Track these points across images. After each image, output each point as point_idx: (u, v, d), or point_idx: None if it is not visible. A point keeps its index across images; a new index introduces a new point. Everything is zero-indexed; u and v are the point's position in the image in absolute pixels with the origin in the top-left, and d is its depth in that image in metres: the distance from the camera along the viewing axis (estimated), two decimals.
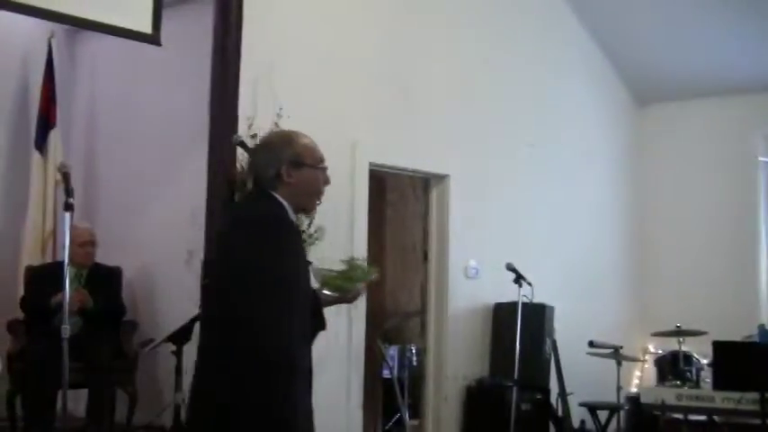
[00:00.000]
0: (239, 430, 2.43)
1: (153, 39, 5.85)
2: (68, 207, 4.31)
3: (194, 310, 5.15)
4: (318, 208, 2.95)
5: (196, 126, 6.13)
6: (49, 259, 6.77)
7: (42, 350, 5.57)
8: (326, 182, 2.84)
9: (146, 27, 6.07)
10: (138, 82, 7.33)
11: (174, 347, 5.18)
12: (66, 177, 4.40)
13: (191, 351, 4.56)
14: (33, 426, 5.74)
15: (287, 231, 2.64)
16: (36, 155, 7.30)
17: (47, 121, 7.33)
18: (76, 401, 6.44)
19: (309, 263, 2.75)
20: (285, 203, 2.69)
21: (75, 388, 5.70)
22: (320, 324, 2.73)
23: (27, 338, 6.06)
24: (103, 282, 6.32)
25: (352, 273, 2.87)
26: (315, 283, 2.81)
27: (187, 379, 4.41)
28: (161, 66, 6.88)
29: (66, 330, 4.21)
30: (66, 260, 4.41)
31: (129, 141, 7.32)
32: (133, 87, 7.36)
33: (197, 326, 4.69)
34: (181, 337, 5.13)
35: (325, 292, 2.84)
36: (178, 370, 5.09)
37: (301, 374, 2.52)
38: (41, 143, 7.31)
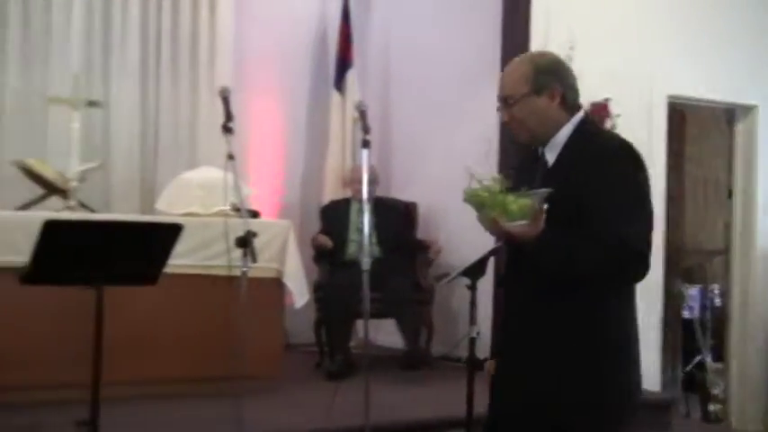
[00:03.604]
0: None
1: None
2: (365, 144, 4.42)
3: (489, 244, 5.16)
4: None
5: (487, 60, 6.10)
6: (349, 195, 7.05)
7: (343, 281, 5.84)
8: None
9: None
10: (429, 18, 7.39)
11: (468, 282, 5.23)
12: (363, 115, 4.50)
13: (485, 285, 4.57)
14: (335, 352, 6.05)
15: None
16: (335, 94, 7.60)
17: (344, 61, 7.60)
18: (375, 331, 6.71)
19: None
20: None
21: (374, 318, 5.92)
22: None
23: (330, 270, 6.35)
24: (388, 216, 6.43)
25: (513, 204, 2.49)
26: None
27: (481, 312, 4.44)
28: (452, 1, 6.89)
29: (367, 263, 4.33)
30: (366, 196, 4.51)
31: (422, 78, 7.42)
32: (425, 24, 7.43)
33: (491, 260, 4.70)
34: (476, 271, 5.16)
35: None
36: (473, 303, 5.13)
37: None
38: (340, 83, 7.60)
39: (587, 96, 5.12)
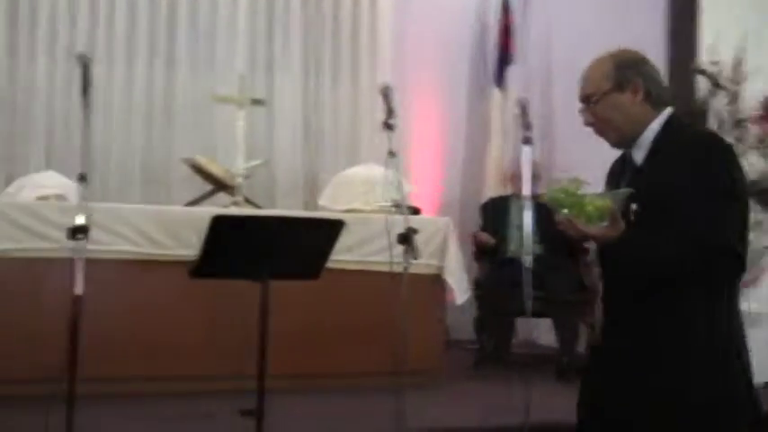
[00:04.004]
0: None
1: None
2: (527, 141, 4.36)
3: None
4: None
5: (652, 54, 5.91)
6: (509, 192, 6.98)
7: (503, 278, 5.78)
8: None
9: None
10: (591, 11, 7.23)
11: None
12: (524, 111, 4.43)
13: None
14: (496, 350, 5.99)
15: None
16: (495, 90, 7.55)
17: (505, 56, 7.54)
18: (536, 329, 6.63)
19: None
20: None
21: (535, 317, 5.85)
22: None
23: (490, 267, 6.31)
24: (550, 213, 6.30)
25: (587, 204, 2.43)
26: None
27: None
28: None
29: (529, 260, 4.27)
30: (527, 193, 4.45)
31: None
32: (587, 17, 7.28)
33: None
34: None
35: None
36: None
37: None
38: (500, 79, 7.54)
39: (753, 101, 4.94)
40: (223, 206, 5.81)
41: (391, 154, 4.01)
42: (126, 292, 4.82)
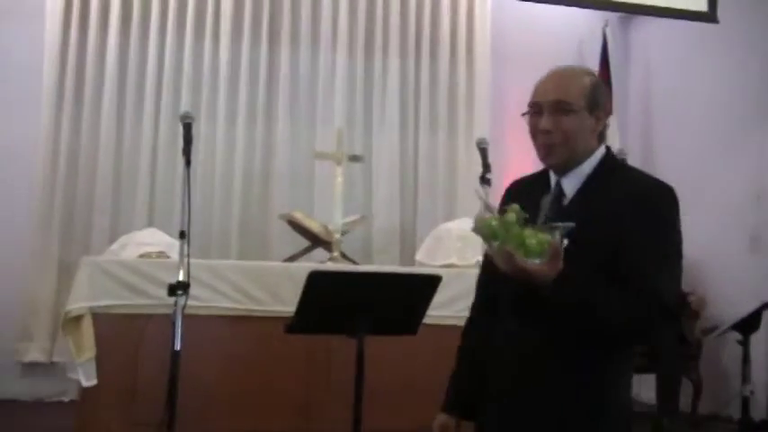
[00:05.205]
0: None
1: (709, 16, 5.67)
2: None
3: (761, 297, 4.88)
4: None
5: (758, 102, 5.80)
6: None
7: None
8: (533, 128, 2.36)
9: (701, 5, 5.91)
10: (692, 62, 7.14)
11: (740, 336, 4.95)
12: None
13: (759, 340, 4.30)
14: None
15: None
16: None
17: None
18: (638, 386, 6.45)
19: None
20: None
21: (637, 373, 5.68)
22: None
23: None
24: None
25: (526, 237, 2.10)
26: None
27: (755, 369, 4.17)
28: (716, 43, 6.62)
29: None
30: None
31: (685, 124, 7.16)
32: (687, 68, 7.18)
33: (766, 314, 4.42)
34: (748, 325, 4.90)
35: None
36: (745, 359, 4.85)
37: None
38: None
39: None
40: (320, 262, 5.84)
41: (487, 208, 3.99)
42: (223, 348, 4.86)
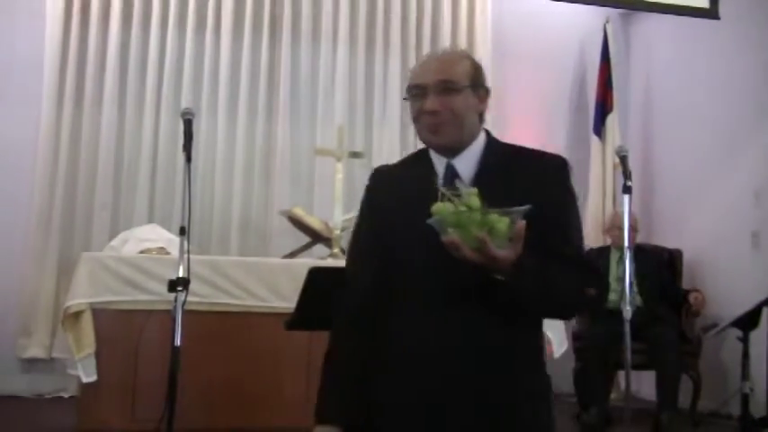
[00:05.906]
0: None
1: (711, 13, 5.66)
2: (627, 190, 4.30)
3: (761, 294, 4.87)
4: None
5: (759, 100, 5.79)
6: (609, 242, 6.87)
7: (603, 330, 5.65)
8: (417, 111, 2.30)
9: (703, 2, 5.91)
10: (693, 59, 7.13)
11: (739, 333, 4.95)
12: (623, 160, 4.38)
13: (759, 337, 4.29)
14: (593, 403, 5.84)
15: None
16: (595, 139, 7.48)
17: (604, 105, 7.47)
18: (637, 382, 6.46)
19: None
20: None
21: (635, 369, 5.69)
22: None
23: (590, 319, 6.18)
24: (650, 263, 6.19)
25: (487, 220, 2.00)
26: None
27: (755, 366, 4.17)
28: (718, 40, 6.62)
29: (629, 312, 4.19)
30: (627, 243, 4.37)
31: (686, 121, 7.15)
32: (689, 65, 7.18)
33: (766, 311, 4.42)
34: (748, 322, 4.89)
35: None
36: (745, 356, 4.85)
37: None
38: (599, 128, 7.47)
39: None
40: (320, 258, 5.84)
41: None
42: (223, 344, 4.87)
